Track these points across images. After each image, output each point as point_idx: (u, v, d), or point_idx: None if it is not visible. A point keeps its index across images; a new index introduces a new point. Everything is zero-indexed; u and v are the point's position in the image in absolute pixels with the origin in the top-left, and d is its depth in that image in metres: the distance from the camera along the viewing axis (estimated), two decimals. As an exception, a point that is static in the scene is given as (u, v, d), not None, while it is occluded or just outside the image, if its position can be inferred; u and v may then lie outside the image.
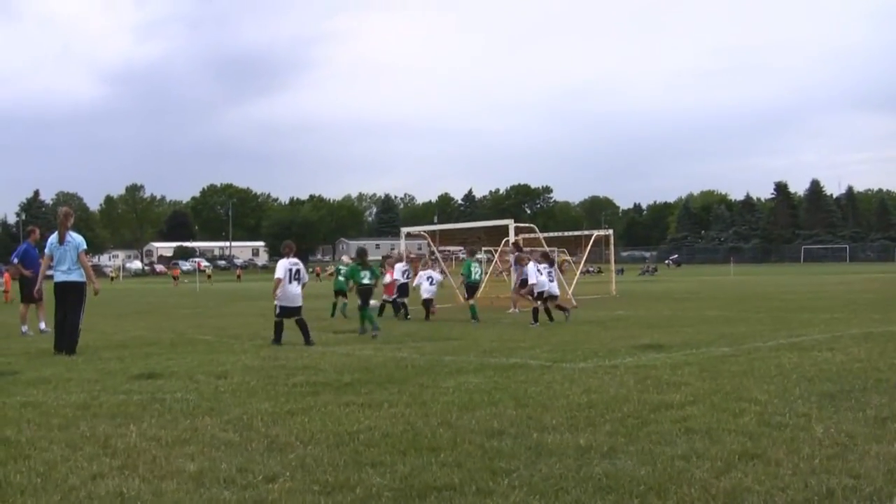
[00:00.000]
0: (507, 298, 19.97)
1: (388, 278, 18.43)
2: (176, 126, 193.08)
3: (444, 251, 33.13)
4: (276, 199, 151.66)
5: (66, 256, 10.93)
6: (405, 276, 18.43)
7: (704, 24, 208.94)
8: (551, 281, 15.94)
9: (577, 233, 33.54)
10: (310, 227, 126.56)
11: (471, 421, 5.85)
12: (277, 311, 11.99)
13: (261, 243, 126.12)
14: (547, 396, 6.81)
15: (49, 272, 11.49)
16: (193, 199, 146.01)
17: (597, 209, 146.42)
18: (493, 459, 4.77)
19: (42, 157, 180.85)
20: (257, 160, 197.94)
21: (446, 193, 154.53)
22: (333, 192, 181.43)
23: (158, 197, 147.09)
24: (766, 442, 5.06)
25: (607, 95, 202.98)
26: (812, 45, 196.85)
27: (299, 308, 12.04)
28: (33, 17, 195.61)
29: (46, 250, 11.27)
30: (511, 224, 21.60)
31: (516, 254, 18.34)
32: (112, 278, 76.52)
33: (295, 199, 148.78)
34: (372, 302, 17.55)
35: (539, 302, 15.18)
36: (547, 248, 22.52)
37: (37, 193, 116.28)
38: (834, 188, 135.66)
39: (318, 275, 55.17)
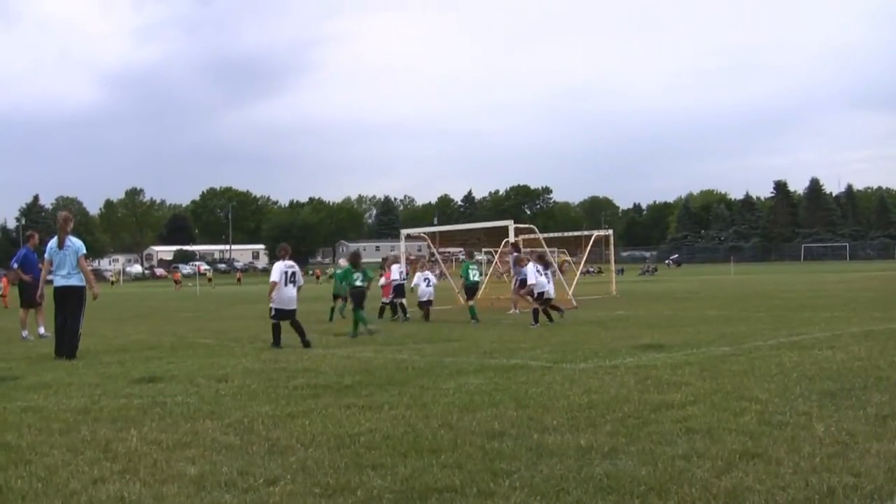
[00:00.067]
0: (507, 300, 19.96)
1: (383, 280, 18.46)
2: (175, 129, 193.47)
3: (444, 253, 33.15)
4: (275, 202, 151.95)
5: (65, 261, 10.93)
6: (401, 276, 18.44)
7: (704, 24, 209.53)
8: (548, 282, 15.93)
9: (576, 233, 33.55)
10: (310, 229, 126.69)
11: (471, 422, 5.84)
12: (273, 313, 11.99)
13: (261, 246, 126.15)
14: (548, 397, 6.81)
15: (49, 277, 11.49)
16: (193, 202, 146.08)
17: (597, 209, 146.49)
18: (494, 461, 4.77)
19: (41, 161, 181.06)
20: (257, 163, 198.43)
21: (446, 195, 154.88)
22: (333, 195, 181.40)
23: (158, 200, 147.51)
24: (767, 441, 5.06)
25: (607, 95, 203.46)
26: (811, 44, 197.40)
27: (294, 311, 12.04)
28: (32, 20, 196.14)
29: (46, 255, 11.27)
30: (511, 225, 21.60)
31: (515, 255, 18.35)
32: (112, 282, 76.55)
33: (295, 201, 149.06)
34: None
35: (539, 303, 15.17)
36: (546, 249, 22.53)
37: (36, 198, 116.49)
38: (833, 187, 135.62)
39: (317, 278, 55.17)
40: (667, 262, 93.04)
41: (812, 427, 5.37)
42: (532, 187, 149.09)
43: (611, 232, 31.17)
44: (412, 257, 23.71)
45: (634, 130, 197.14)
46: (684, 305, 20.65)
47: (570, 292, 22.02)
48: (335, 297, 18.27)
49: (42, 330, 14.40)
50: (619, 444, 5.06)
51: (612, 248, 32.04)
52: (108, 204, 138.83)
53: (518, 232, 22.74)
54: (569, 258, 35.50)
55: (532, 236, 25.54)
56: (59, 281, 10.95)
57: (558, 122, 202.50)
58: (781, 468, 4.45)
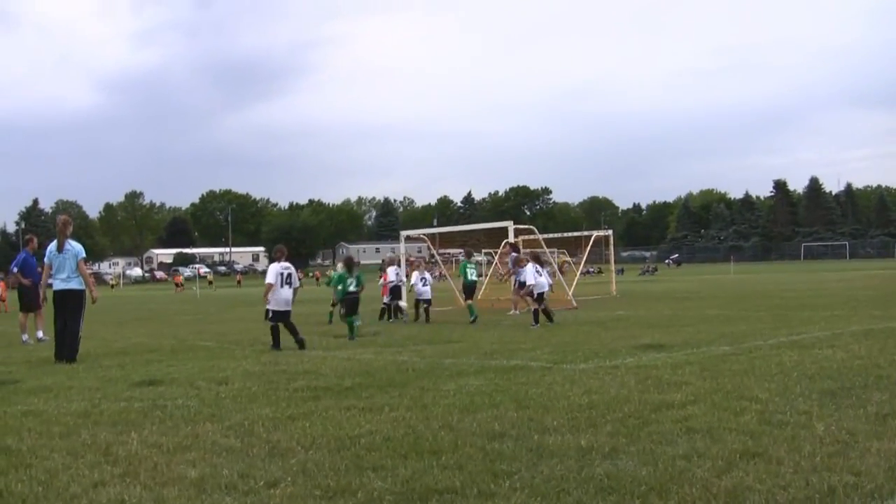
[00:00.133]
0: (507, 301, 19.98)
1: (382, 282, 18.51)
2: (175, 132, 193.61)
3: (444, 254, 33.17)
4: (275, 205, 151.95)
5: (65, 265, 10.94)
6: (398, 278, 18.46)
7: (704, 24, 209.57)
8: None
9: (576, 233, 33.57)
10: (309, 231, 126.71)
11: (472, 423, 5.84)
12: (269, 315, 12.00)
13: (261, 248, 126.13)
14: (548, 398, 6.81)
15: (49, 280, 11.49)
16: (193, 205, 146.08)
17: (596, 209, 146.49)
18: (494, 462, 4.77)
19: (41, 165, 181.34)
20: (256, 165, 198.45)
21: (445, 196, 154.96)
22: (333, 197, 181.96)
23: (158, 204, 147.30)
24: (768, 440, 5.06)
25: (607, 95, 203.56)
26: (810, 43, 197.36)
27: (289, 312, 12.05)
28: (31, 24, 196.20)
29: (46, 259, 11.27)
30: (510, 226, 21.60)
31: (514, 255, 18.37)
32: (112, 286, 76.56)
33: (294, 203, 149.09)
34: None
35: (538, 303, 15.18)
36: (546, 250, 22.53)
37: (36, 202, 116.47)
38: (833, 185, 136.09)
39: (317, 280, 55.17)
40: (667, 261, 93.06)
41: (812, 426, 5.38)
42: (532, 188, 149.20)
43: (610, 232, 31.18)
44: (412, 259, 23.69)
45: (634, 130, 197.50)
46: (684, 305, 20.65)
47: (570, 293, 22.02)
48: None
49: (40, 334, 14.39)
50: (619, 445, 5.06)
51: (611, 248, 32.06)
52: (108, 207, 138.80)
53: (518, 233, 22.74)
54: (569, 258, 35.52)
55: (532, 237, 25.55)
56: (59, 284, 10.95)
57: (558, 123, 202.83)
58: (782, 467, 4.45)
